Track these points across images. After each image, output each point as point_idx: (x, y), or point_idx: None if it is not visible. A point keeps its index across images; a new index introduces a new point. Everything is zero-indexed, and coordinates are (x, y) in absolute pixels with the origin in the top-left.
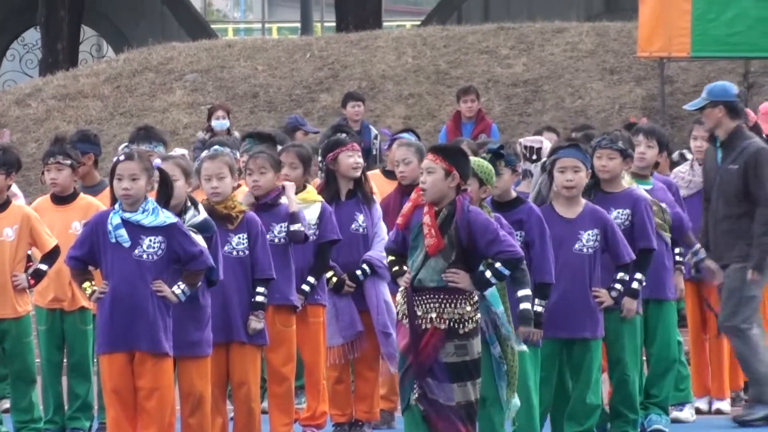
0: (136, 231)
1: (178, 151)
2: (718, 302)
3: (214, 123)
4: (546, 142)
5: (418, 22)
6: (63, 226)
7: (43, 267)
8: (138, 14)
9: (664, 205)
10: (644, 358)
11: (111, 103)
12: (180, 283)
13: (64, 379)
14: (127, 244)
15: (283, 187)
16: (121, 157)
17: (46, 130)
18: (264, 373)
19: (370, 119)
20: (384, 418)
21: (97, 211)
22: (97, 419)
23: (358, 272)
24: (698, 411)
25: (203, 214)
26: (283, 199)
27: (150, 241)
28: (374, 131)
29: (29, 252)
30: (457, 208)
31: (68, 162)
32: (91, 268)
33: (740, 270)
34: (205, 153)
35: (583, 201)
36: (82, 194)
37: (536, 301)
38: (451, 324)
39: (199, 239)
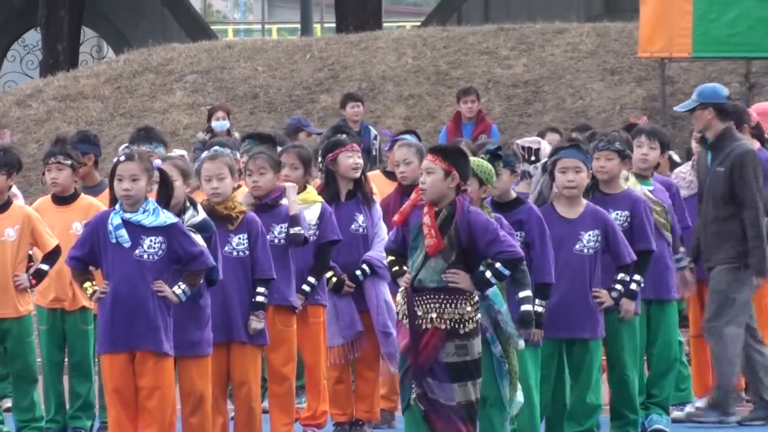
0: (137, 231)
1: (176, 152)
2: None
3: (214, 124)
4: (544, 143)
5: (418, 23)
6: (64, 226)
7: (44, 267)
8: (138, 15)
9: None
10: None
11: (111, 103)
12: (180, 283)
13: (66, 379)
14: (127, 245)
15: (285, 189)
16: (122, 158)
17: (47, 131)
18: (264, 372)
19: (370, 120)
20: (384, 418)
21: (97, 212)
22: (98, 418)
23: (358, 272)
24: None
25: (202, 215)
26: (284, 201)
27: (150, 241)
28: (374, 132)
29: (30, 252)
30: (457, 208)
31: (69, 162)
32: (91, 268)
33: (726, 272)
34: (205, 154)
35: (584, 201)
36: (82, 195)
37: (536, 301)
38: (452, 324)
39: (198, 239)
